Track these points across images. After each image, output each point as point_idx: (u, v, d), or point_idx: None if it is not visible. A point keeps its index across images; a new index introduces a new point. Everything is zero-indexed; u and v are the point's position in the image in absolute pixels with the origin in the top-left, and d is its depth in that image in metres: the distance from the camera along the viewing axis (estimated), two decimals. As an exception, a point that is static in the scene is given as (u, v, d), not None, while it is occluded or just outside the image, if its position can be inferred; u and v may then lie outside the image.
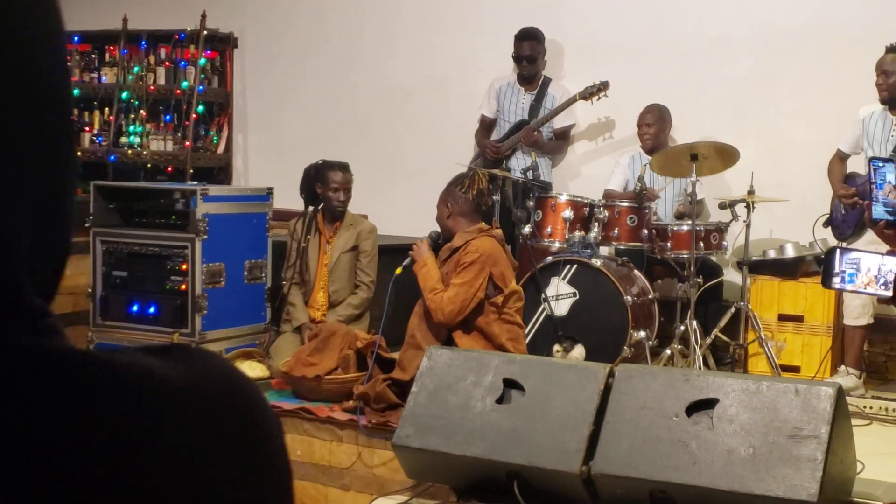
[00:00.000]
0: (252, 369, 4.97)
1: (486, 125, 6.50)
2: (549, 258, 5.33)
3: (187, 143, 7.12)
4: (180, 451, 0.56)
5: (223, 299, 5.36)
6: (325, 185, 5.52)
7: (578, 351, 5.14)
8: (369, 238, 5.63)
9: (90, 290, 5.51)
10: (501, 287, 4.46)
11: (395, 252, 5.66)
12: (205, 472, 0.57)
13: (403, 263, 4.64)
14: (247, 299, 5.53)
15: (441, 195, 4.62)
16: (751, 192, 5.22)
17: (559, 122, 6.29)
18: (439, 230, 4.66)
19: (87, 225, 5.50)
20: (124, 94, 7.23)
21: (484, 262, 4.39)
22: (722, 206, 5.43)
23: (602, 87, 5.94)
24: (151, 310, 5.37)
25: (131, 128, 7.23)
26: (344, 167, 5.54)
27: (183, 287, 5.27)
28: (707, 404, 3.21)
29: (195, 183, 5.97)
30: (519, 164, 6.13)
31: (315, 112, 7.32)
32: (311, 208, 5.65)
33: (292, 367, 4.73)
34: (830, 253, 2.77)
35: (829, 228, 5.46)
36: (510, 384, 3.54)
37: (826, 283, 2.78)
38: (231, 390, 0.62)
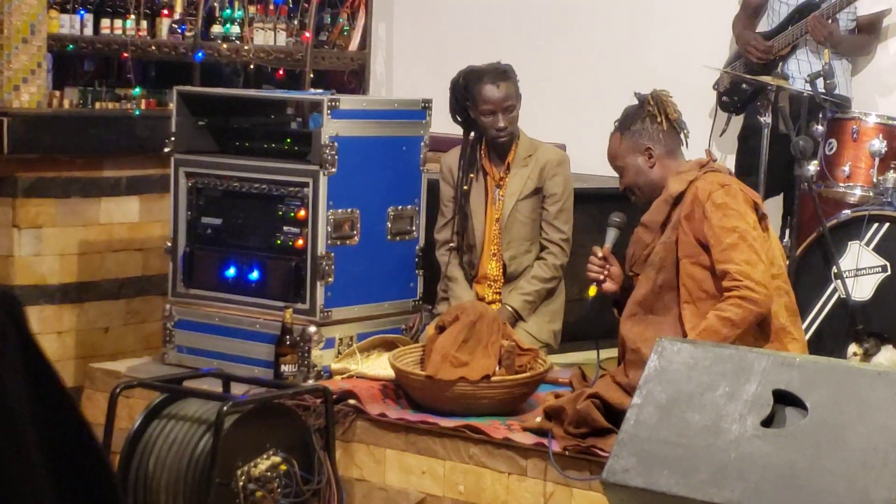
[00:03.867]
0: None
1: (752, 9, 6.46)
2: (847, 213, 5.28)
3: (306, 34, 7.27)
4: None
5: (356, 262, 5.48)
6: (475, 105, 5.57)
7: (887, 354, 5.09)
8: (559, 173, 5.63)
9: (169, 245, 5.70)
10: (764, 227, 4.42)
11: (601, 201, 5.63)
12: None
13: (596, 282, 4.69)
14: (390, 264, 5.64)
15: (620, 146, 4.60)
16: None
17: (865, 7, 6.18)
18: (622, 214, 4.68)
19: (166, 150, 5.67)
20: (218, -37, 7.42)
21: (738, 195, 4.32)
22: None
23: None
24: (254, 275, 5.53)
25: (227, 12, 7.42)
26: (501, 75, 5.55)
27: (299, 243, 5.40)
28: None
29: (319, 92, 6.07)
30: (802, 68, 6.07)
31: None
32: (471, 135, 5.69)
33: (439, 369, 4.83)
34: None
35: None
36: (784, 398, 3.52)
37: None
38: None
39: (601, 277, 4.62)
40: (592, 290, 4.66)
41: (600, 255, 4.63)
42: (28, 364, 1.13)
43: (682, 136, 4.62)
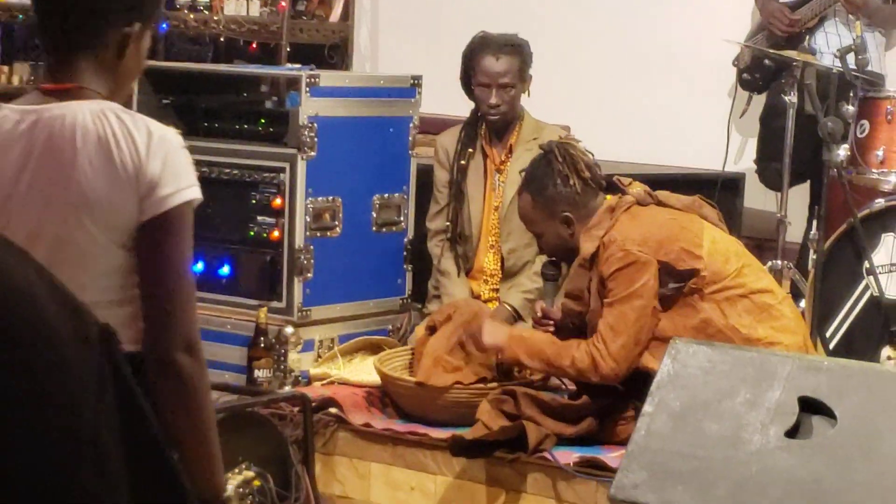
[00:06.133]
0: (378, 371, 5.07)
1: (776, -24, 6.43)
2: (880, 201, 5.30)
3: (282, 3, 7.27)
4: None
5: (338, 256, 5.49)
6: (474, 74, 5.60)
7: (925, 359, 5.08)
8: None
9: (130, 238, 5.71)
10: (695, 266, 4.43)
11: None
12: None
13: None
14: (375, 258, 5.65)
15: (534, 212, 4.69)
16: None
17: (902, -26, 6.18)
18: (555, 266, 4.85)
19: (127, 132, 5.68)
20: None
21: (639, 259, 4.40)
22: None
23: None
24: (224, 270, 5.53)
25: (195, -21, 7.44)
26: (507, 48, 5.57)
27: (275, 235, 5.41)
28: None
29: (296, 67, 6.06)
30: (830, 42, 6.09)
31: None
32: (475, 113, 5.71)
33: (430, 374, 4.83)
34: None
35: None
36: (810, 406, 3.51)
37: None
38: None
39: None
40: None
41: (539, 314, 4.79)
42: (122, 403, 1.20)
43: (598, 183, 4.67)
